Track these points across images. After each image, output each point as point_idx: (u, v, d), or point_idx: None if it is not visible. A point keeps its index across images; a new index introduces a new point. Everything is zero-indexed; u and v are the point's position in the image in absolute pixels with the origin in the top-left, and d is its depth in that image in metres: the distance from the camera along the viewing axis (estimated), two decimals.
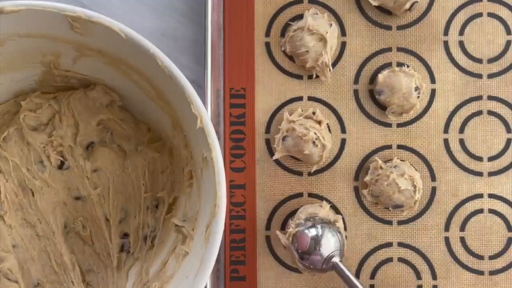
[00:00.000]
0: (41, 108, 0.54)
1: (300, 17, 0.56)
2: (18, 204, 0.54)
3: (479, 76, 0.57)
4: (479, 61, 0.57)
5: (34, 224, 0.54)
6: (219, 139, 0.55)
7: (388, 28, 0.57)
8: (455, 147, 0.57)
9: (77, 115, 0.54)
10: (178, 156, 0.53)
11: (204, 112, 0.46)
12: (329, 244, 0.52)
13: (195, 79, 0.57)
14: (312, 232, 0.52)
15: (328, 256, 0.52)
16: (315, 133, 0.54)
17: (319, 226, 0.53)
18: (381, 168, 0.55)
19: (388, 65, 0.57)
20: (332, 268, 0.52)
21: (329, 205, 0.55)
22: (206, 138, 0.46)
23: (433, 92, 0.57)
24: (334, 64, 0.57)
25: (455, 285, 0.57)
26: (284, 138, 0.55)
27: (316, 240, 0.52)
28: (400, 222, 0.57)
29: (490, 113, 0.57)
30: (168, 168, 0.54)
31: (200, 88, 0.56)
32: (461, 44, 0.57)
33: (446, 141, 0.57)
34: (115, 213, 0.54)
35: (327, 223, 0.53)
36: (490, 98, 0.57)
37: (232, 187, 0.56)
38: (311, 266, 0.52)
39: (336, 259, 0.52)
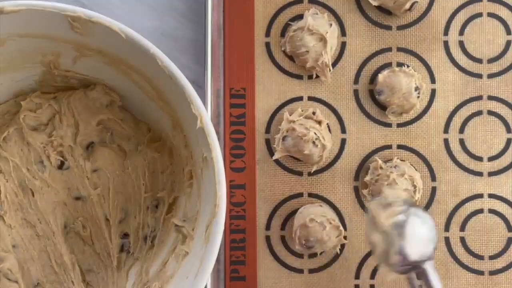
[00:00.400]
0: (41, 108, 0.54)
1: (300, 17, 0.56)
2: (18, 204, 0.54)
3: (479, 76, 0.57)
4: (479, 61, 0.57)
5: (34, 224, 0.54)
6: (219, 139, 0.55)
7: (388, 28, 0.57)
8: (455, 147, 0.57)
9: (77, 115, 0.54)
10: (178, 156, 0.53)
11: (204, 112, 0.46)
12: (423, 243, 0.41)
13: (195, 79, 0.57)
14: (422, 223, 0.39)
15: (421, 259, 0.40)
16: (315, 133, 0.54)
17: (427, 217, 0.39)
18: (381, 168, 0.55)
19: (388, 65, 0.57)
20: (412, 270, 0.40)
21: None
22: (206, 138, 0.46)
23: (433, 92, 0.57)
24: (334, 64, 0.57)
25: (455, 285, 0.57)
26: (284, 138, 0.55)
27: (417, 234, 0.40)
28: None
29: (490, 113, 0.57)
30: (168, 168, 0.54)
31: (200, 88, 0.56)
32: (461, 44, 0.57)
33: (446, 141, 0.57)
34: (115, 213, 0.54)
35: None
36: (490, 98, 0.57)
37: (232, 187, 0.56)
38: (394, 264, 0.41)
39: (428, 265, 0.40)
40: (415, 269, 0.40)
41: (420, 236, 0.40)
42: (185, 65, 0.57)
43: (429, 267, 0.40)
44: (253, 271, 0.56)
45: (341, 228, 0.55)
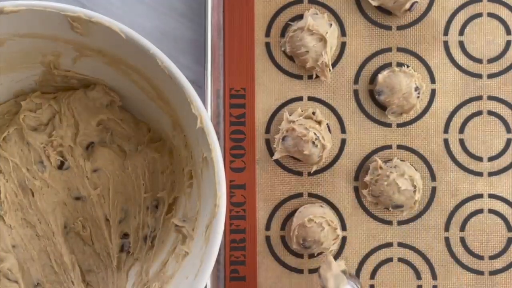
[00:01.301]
0: (41, 108, 0.54)
1: (300, 17, 0.56)
2: (18, 204, 0.54)
3: (479, 76, 0.57)
4: (479, 61, 0.57)
5: (34, 224, 0.54)
6: (219, 139, 0.55)
7: (388, 28, 0.57)
8: (455, 147, 0.57)
9: (77, 115, 0.54)
10: (178, 156, 0.53)
11: (204, 112, 0.46)
12: None
13: (195, 79, 0.57)
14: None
15: None
16: (315, 133, 0.54)
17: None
18: (381, 168, 0.55)
19: (388, 65, 0.57)
20: None
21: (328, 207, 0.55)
22: (206, 138, 0.46)
23: (433, 92, 0.57)
24: (334, 64, 0.57)
25: (455, 285, 0.57)
26: (284, 138, 0.55)
27: None
28: (400, 222, 0.57)
29: (490, 113, 0.57)
30: (168, 168, 0.54)
31: (200, 88, 0.56)
32: (461, 44, 0.57)
33: (446, 141, 0.57)
34: (115, 213, 0.54)
35: (350, 277, 0.53)
36: (490, 98, 0.57)
37: (232, 187, 0.56)
38: None
39: None
40: None
41: None
42: (185, 65, 0.57)
43: None
44: (253, 271, 0.56)
45: (339, 231, 0.55)
